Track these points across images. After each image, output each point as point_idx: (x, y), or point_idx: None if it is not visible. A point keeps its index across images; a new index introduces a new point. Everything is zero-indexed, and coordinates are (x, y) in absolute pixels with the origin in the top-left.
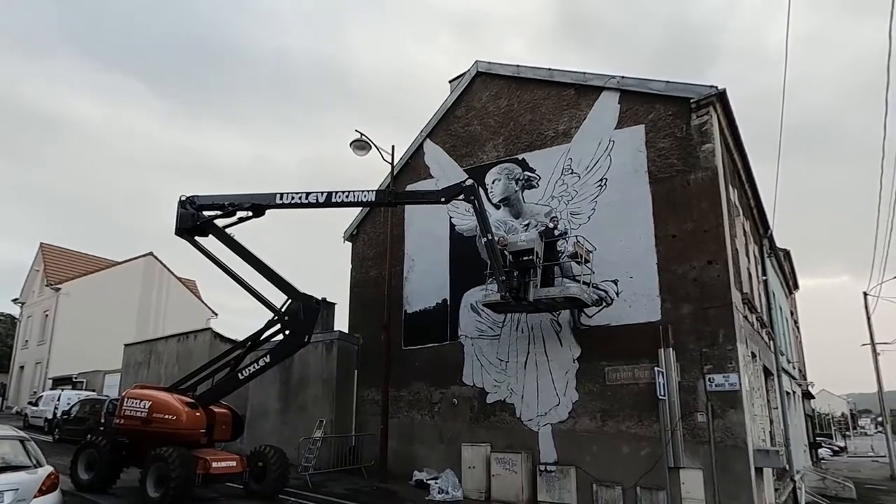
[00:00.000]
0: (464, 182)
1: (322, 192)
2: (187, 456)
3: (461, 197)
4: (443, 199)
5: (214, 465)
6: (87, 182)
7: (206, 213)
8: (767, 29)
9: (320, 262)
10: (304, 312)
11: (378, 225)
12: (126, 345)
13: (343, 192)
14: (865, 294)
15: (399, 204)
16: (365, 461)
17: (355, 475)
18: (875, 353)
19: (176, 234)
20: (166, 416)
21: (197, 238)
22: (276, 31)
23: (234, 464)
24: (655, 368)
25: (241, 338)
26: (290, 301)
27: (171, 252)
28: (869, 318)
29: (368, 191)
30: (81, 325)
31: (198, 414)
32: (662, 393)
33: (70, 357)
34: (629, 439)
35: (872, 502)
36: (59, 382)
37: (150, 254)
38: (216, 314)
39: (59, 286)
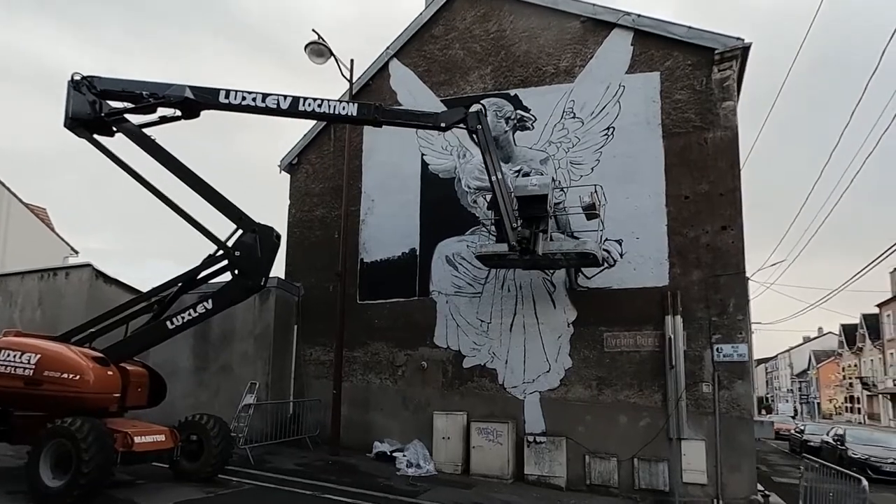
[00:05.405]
0: (468, 106)
1: (285, 97)
2: (102, 429)
3: (463, 126)
4: (442, 125)
5: (138, 440)
6: None
7: (112, 103)
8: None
9: (245, 193)
10: (262, 247)
11: (326, 155)
12: None
13: (315, 99)
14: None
15: (385, 124)
16: (308, 431)
17: (298, 447)
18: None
19: (67, 126)
20: (64, 376)
21: (97, 137)
22: None
23: (162, 438)
24: (669, 336)
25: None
26: (240, 232)
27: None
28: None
29: (348, 102)
30: None
31: (109, 373)
32: (674, 361)
33: None
34: (627, 409)
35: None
36: None
37: None
38: (76, 252)
39: None
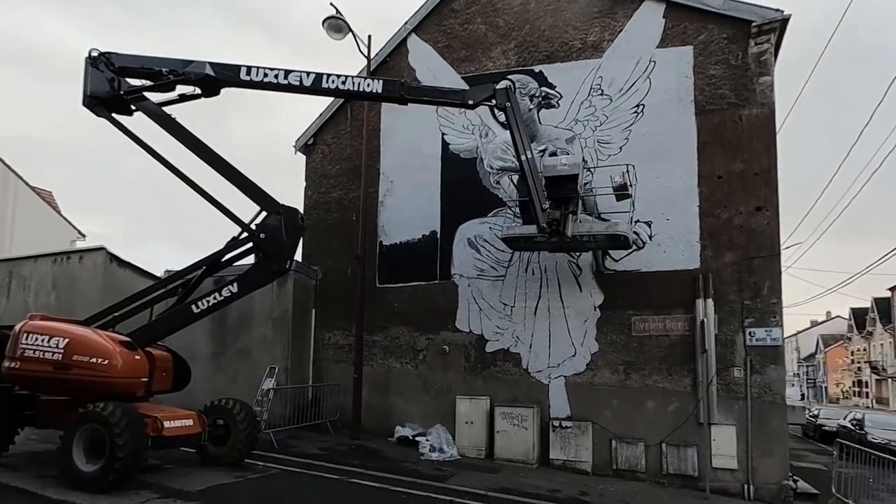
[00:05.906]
0: (497, 83)
1: (308, 73)
2: (134, 414)
3: (492, 102)
4: (470, 102)
5: (167, 424)
6: None
7: (130, 80)
8: None
9: (258, 173)
10: (287, 230)
11: (342, 135)
12: None
13: (338, 76)
14: None
15: (411, 102)
16: (328, 415)
17: (318, 432)
18: None
19: (85, 104)
20: (94, 360)
21: (115, 116)
22: None
23: (190, 422)
24: (701, 320)
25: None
26: (265, 214)
27: None
28: None
29: (373, 79)
30: None
31: (137, 357)
32: (707, 346)
33: None
34: (656, 394)
35: None
36: None
37: None
38: (83, 235)
39: None
